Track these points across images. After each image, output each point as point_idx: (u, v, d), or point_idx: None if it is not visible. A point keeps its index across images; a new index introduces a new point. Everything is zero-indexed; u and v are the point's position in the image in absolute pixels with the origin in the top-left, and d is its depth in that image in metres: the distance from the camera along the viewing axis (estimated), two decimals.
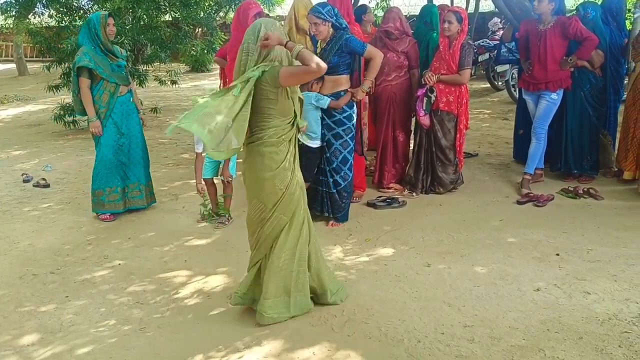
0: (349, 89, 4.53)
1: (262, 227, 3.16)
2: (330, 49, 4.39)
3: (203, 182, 4.73)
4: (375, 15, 10.70)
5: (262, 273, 3.24)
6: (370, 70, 4.50)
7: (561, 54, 5.16)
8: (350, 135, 4.56)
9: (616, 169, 5.69)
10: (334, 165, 4.58)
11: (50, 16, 9.54)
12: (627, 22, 6.69)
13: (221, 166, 4.74)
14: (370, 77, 4.54)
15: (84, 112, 4.82)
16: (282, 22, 6.20)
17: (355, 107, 4.60)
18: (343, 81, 4.51)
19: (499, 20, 11.42)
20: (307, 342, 3.03)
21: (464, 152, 5.84)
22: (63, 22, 8.90)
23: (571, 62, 5.15)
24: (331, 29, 4.39)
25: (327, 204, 4.66)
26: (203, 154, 4.62)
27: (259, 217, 3.16)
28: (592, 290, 3.46)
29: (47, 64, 8.90)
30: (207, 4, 9.37)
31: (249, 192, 3.21)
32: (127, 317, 3.35)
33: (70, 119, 8.67)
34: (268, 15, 5.46)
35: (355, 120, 4.60)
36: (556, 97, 5.24)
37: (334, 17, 4.35)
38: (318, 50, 4.52)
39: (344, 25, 4.41)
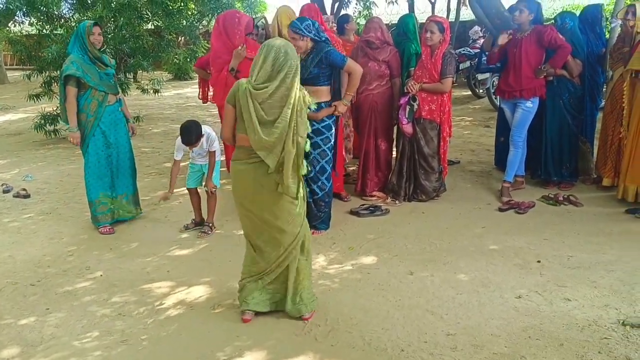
0: (332, 103, 4.54)
1: (300, 230, 3.28)
2: (311, 61, 4.43)
3: (170, 193, 4.73)
4: (358, 24, 10.78)
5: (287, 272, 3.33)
6: (350, 85, 4.53)
7: (536, 62, 5.26)
8: (328, 145, 4.57)
9: (595, 176, 5.78)
10: (312, 175, 4.58)
11: (31, 24, 9.46)
12: (607, 31, 6.78)
13: (204, 176, 4.73)
14: (350, 92, 4.57)
15: (68, 121, 4.79)
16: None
17: (335, 117, 4.62)
18: (324, 92, 4.53)
19: (480, 28, 11.56)
20: (290, 353, 3.02)
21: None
22: (44, 30, 8.84)
23: (545, 70, 5.24)
24: (310, 42, 4.42)
25: None
26: (182, 163, 4.64)
27: (296, 223, 3.26)
28: (572, 296, 3.50)
29: (28, 72, 8.82)
30: (189, 13, 9.35)
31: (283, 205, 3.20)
32: (109, 329, 3.32)
33: (51, 128, 8.60)
34: (256, 25, 5.45)
35: (334, 130, 4.62)
36: (531, 105, 5.32)
37: (313, 32, 4.39)
38: (301, 61, 4.54)
39: (323, 38, 4.46)
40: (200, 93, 6.42)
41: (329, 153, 4.61)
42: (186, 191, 4.94)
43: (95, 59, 4.69)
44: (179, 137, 4.56)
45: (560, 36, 5.19)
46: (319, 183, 4.60)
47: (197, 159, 4.73)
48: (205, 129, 4.57)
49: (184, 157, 4.78)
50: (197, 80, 15.86)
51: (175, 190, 5.78)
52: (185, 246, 4.55)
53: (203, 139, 4.55)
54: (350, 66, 4.46)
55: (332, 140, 4.63)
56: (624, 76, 5.16)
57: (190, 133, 4.46)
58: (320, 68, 4.43)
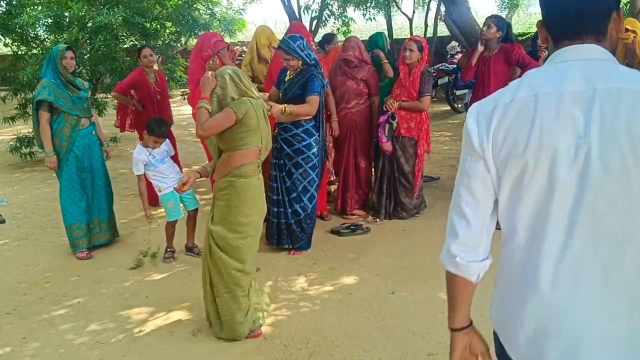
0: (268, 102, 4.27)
1: None
2: (297, 82, 4.43)
3: (150, 208, 4.61)
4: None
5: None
6: (299, 111, 4.37)
7: (504, 80, 5.29)
8: (310, 165, 4.55)
9: None
10: (294, 195, 4.55)
11: (5, 45, 9.38)
12: None
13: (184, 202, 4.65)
14: (293, 111, 4.33)
15: (44, 146, 4.73)
16: (244, 48, 6.21)
17: (316, 136, 4.59)
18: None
19: (458, 44, 11.69)
20: None
21: (426, 176, 5.92)
22: (19, 51, 8.76)
23: None
24: (302, 63, 4.41)
25: (285, 235, 4.64)
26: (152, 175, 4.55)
27: None
28: None
29: (3, 94, 8.71)
30: (166, 33, 9.33)
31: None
32: (86, 358, 3.26)
33: (27, 150, 8.49)
34: (228, 44, 5.41)
35: (315, 149, 4.59)
36: None
37: (304, 51, 4.38)
38: (286, 78, 4.53)
39: (313, 62, 4.44)
40: (118, 121, 6.14)
41: (312, 173, 4.57)
42: (163, 213, 4.82)
43: (68, 83, 4.65)
44: (135, 151, 4.52)
45: (527, 55, 5.27)
46: (302, 203, 4.57)
47: (163, 172, 4.52)
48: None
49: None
50: (175, 99, 15.87)
51: (152, 214, 5.73)
52: (164, 271, 4.49)
53: (165, 145, 4.55)
54: (311, 100, 4.38)
55: (315, 160, 4.60)
56: None
57: (163, 123, 4.53)
58: (303, 90, 4.41)
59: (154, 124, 4.49)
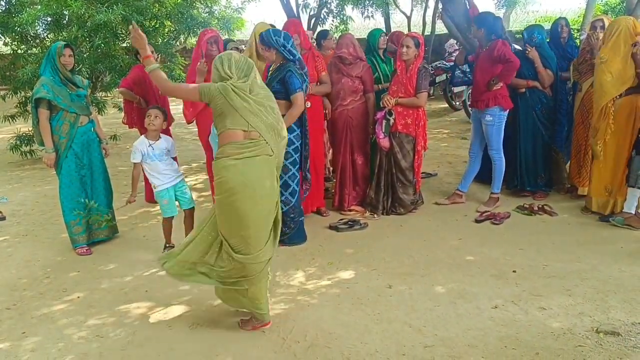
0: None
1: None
2: (275, 76, 4.50)
3: (136, 197, 4.70)
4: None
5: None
6: (288, 116, 4.38)
7: (489, 74, 5.35)
8: (290, 161, 4.59)
9: (569, 185, 5.87)
10: None
11: (5, 44, 9.40)
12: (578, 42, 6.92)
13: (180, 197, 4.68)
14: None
15: (44, 143, 4.76)
16: (244, 46, 6.25)
17: (297, 132, 4.61)
18: (282, 105, 4.35)
19: (456, 41, 11.71)
20: None
21: (423, 172, 5.94)
22: (19, 50, 8.78)
23: (494, 83, 5.32)
24: (279, 57, 4.48)
25: None
26: (146, 164, 4.59)
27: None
28: (547, 305, 3.55)
29: (2, 93, 8.73)
30: (165, 31, 9.35)
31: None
32: (86, 352, 3.28)
33: (27, 148, 8.52)
34: (225, 40, 5.42)
35: (297, 145, 4.63)
36: (490, 118, 5.39)
37: (280, 46, 4.43)
38: (270, 74, 4.59)
39: (291, 58, 4.49)
40: (126, 117, 6.11)
41: (292, 169, 4.64)
42: (136, 195, 4.77)
43: (67, 80, 4.68)
44: (137, 141, 4.60)
45: (510, 51, 5.28)
46: (283, 198, 4.60)
47: (159, 169, 4.56)
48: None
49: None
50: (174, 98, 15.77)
51: (152, 210, 5.78)
52: None
53: (166, 143, 4.61)
54: (296, 99, 4.43)
55: (295, 156, 4.65)
56: (590, 92, 5.24)
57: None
58: (282, 85, 4.45)
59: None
